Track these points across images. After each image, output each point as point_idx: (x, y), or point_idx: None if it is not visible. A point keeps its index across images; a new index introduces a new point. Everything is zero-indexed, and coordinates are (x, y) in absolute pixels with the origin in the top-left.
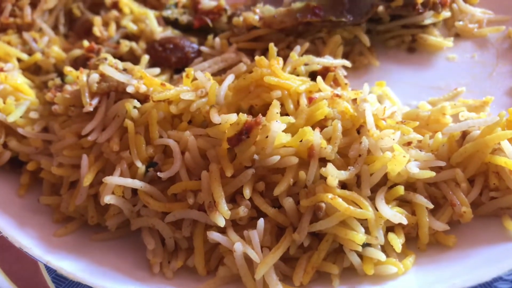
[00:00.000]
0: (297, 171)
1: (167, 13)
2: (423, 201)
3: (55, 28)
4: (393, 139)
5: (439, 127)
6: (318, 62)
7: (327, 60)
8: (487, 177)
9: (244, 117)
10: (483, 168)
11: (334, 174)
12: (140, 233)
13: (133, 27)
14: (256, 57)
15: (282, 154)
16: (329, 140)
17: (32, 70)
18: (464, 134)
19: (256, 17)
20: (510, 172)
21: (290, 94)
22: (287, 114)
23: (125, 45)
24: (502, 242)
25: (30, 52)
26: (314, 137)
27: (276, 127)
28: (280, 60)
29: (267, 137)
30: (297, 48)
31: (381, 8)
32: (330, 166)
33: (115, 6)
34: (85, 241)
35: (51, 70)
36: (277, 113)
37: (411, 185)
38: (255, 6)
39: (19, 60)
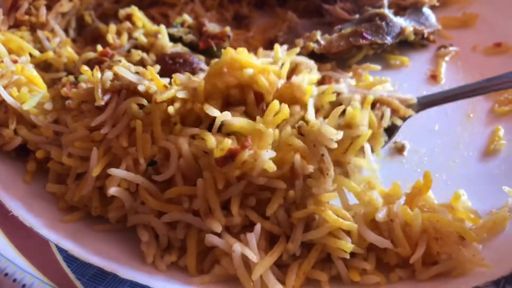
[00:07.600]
0: (286, 190)
1: (173, 30)
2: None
3: (65, 31)
4: None
5: None
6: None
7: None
8: None
9: (228, 143)
10: None
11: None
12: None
13: (144, 40)
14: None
15: (269, 176)
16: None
17: (42, 67)
18: None
19: (314, 44)
20: None
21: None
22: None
23: (137, 54)
24: None
25: (41, 50)
26: (295, 161)
27: (266, 156)
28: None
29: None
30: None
31: (409, 29)
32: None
33: (129, 18)
34: (86, 230)
35: (61, 69)
36: (269, 144)
37: None
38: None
39: (30, 55)
